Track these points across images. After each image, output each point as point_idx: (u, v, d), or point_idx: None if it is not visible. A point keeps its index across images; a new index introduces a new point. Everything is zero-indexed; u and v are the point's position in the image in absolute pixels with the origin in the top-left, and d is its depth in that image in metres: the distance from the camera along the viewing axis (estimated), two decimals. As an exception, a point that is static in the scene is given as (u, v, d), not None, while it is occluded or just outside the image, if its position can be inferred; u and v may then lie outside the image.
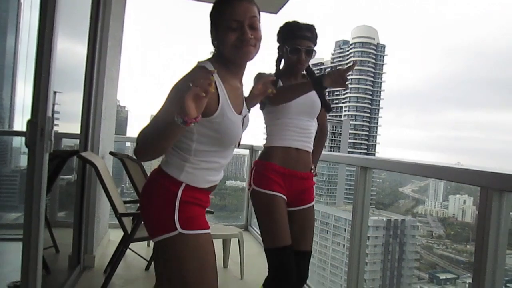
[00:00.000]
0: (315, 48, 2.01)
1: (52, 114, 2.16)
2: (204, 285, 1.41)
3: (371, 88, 36.46)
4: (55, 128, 3.52)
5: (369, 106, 36.16)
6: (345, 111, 36.14)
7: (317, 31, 2.03)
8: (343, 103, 36.56)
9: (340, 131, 32.65)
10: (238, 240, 3.40)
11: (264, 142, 2.07)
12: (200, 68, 1.38)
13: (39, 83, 2.06)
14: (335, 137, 32.29)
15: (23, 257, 2.10)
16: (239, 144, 1.52)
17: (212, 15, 1.43)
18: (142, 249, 3.69)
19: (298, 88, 1.90)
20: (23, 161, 2.29)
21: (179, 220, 1.37)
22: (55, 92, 3.24)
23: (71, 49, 3.22)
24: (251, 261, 3.60)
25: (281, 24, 2.04)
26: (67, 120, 3.44)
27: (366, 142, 35.18)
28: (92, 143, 3.35)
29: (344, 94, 37.05)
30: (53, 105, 2.39)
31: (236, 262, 3.46)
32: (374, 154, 34.99)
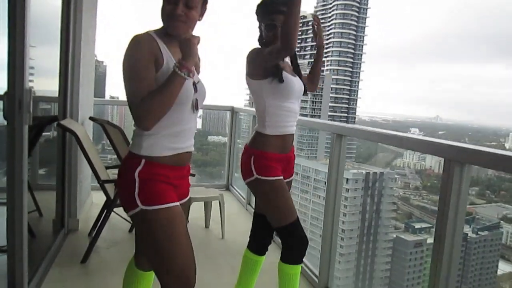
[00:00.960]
0: None
1: (30, 88, 2.15)
2: (175, 254, 1.48)
3: (353, 42, 36.19)
4: (31, 84, 3.50)
5: (351, 60, 36.01)
6: (327, 65, 35.93)
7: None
8: (325, 57, 36.31)
9: (322, 85, 32.59)
10: (219, 202, 3.54)
11: (259, 126, 2.06)
12: (144, 34, 1.45)
13: (14, 54, 2.04)
14: (317, 91, 32.29)
15: (8, 222, 2.16)
16: (196, 108, 1.57)
17: None
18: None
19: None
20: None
21: (139, 197, 1.45)
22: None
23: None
24: (232, 220, 3.74)
25: (259, 2, 2.02)
26: (43, 76, 3.40)
27: (347, 96, 35.30)
28: (71, 109, 3.34)
29: (326, 48, 36.74)
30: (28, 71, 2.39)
31: (217, 222, 3.60)
32: (355, 109, 35.30)
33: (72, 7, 3.24)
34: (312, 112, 31.27)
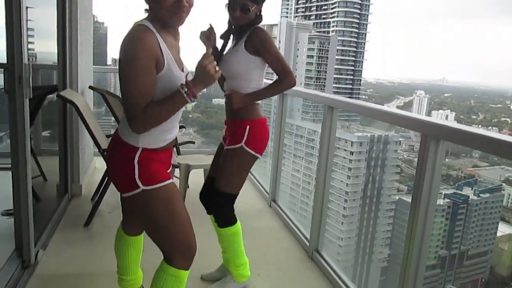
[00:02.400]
0: (259, 4, 2.06)
1: (28, 60, 2.23)
2: (178, 227, 1.60)
3: (359, 2, 35.35)
4: (30, 46, 3.56)
5: (357, 21, 35.31)
6: (333, 26, 35.28)
7: None
8: (331, 18, 35.61)
9: (328, 47, 32.15)
10: (218, 169, 3.63)
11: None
12: (145, 29, 1.42)
13: (12, 31, 2.10)
14: (322, 53, 31.90)
15: (14, 187, 2.29)
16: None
17: None
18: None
19: None
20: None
21: (139, 179, 1.53)
22: (27, 8, 3.23)
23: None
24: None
25: None
26: (44, 37, 3.44)
27: (353, 58, 34.87)
28: (70, 78, 3.41)
29: (332, 8, 35.97)
30: (27, 32, 2.45)
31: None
32: (361, 72, 34.89)
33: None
34: (317, 75, 31.01)
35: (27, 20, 2.29)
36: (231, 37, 2.19)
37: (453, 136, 1.66)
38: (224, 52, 2.17)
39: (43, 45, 3.46)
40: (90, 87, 3.77)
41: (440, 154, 1.70)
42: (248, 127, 2.12)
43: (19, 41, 2.12)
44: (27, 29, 2.68)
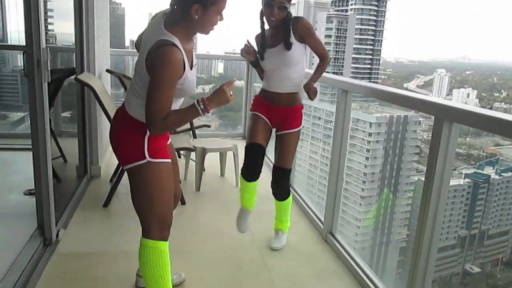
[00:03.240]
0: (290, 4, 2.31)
1: (47, 43, 2.26)
2: (162, 200, 1.79)
3: (379, -22, 34.48)
4: (50, 27, 3.61)
5: (376, -2, 34.51)
6: (351, 4, 34.55)
7: None
8: (349, -5, 34.87)
9: (346, 26, 31.58)
10: (233, 153, 3.69)
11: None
12: (174, 50, 1.56)
13: (30, 16, 2.14)
14: (340, 33, 31.38)
15: (34, 167, 2.37)
16: None
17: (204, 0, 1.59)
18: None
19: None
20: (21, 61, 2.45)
21: (148, 151, 1.71)
22: None
23: None
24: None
25: None
26: (63, 18, 3.49)
27: (372, 37, 34.18)
28: (88, 62, 3.46)
29: (351, -14, 35.19)
30: (46, 14, 2.49)
31: (233, 171, 3.76)
32: (380, 51, 34.25)
33: None
34: (335, 55, 30.56)
35: (45, 3, 2.33)
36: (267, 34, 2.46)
37: (466, 118, 1.65)
38: (269, 48, 2.42)
39: (63, 26, 3.50)
40: (107, 71, 3.82)
41: (453, 136, 1.69)
42: (301, 111, 2.53)
43: (37, 25, 2.15)
44: (45, 12, 2.72)
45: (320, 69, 2.43)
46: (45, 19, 3.45)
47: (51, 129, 3.43)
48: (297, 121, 2.50)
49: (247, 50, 2.42)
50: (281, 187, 2.59)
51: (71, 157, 3.66)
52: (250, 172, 2.55)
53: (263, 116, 2.51)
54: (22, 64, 2.35)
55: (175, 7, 1.62)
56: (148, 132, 1.69)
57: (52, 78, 2.34)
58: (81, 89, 3.42)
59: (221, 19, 1.66)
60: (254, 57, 2.46)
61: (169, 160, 1.80)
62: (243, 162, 2.55)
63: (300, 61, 2.42)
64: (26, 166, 2.45)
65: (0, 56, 5.65)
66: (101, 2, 3.65)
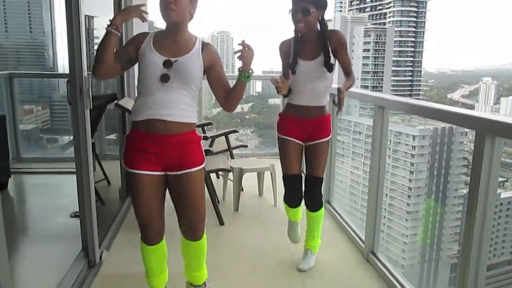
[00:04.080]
0: (320, 10, 2.27)
1: (88, 75, 2.37)
2: (138, 213, 1.93)
3: (417, -12, 33.95)
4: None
5: (415, 9, 33.92)
6: (389, 17, 34.15)
7: None
8: (386, 8, 34.48)
9: (385, 39, 31.16)
10: (271, 172, 3.69)
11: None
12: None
13: (73, 46, 2.26)
14: (379, 46, 30.99)
15: (78, 190, 2.47)
16: (165, 81, 1.79)
17: None
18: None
19: None
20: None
21: (123, 158, 1.88)
22: (92, 17, 3.43)
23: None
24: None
25: None
26: None
27: (412, 49, 33.53)
28: (128, 87, 3.58)
29: (388, -1, 34.86)
30: (91, 43, 2.63)
31: (270, 190, 3.75)
32: (421, 62, 33.51)
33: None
34: (374, 68, 30.16)
35: (91, 31, 2.47)
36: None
37: (509, 132, 1.57)
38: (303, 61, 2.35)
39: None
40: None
41: (497, 151, 1.61)
42: (330, 119, 2.52)
43: (80, 55, 2.27)
44: (92, 39, 2.86)
45: (349, 82, 2.34)
46: (92, 47, 3.62)
47: (95, 152, 3.57)
48: (327, 130, 2.48)
49: (282, 86, 2.30)
50: (314, 197, 2.53)
51: (115, 179, 3.76)
52: (293, 201, 2.57)
53: (293, 139, 2.47)
54: (66, 92, 2.48)
55: None
56: (125, 135, 1.87)
57: (94, 105, 2.45)
58: (122, 113, 3.54)
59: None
60: (287, 90, 2.36)
61: (139, 172, 1.83)
62: (284, 190, 2.56)
63: (330, 77, 2.39)
64: (73, 189, 2.54)
65: (51, 84, 5.99)
66: (140, 28, 3.78)
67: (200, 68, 1.85)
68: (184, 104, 1.82)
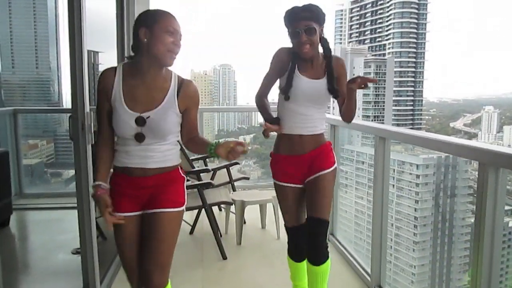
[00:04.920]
0: (321, 25, 1.99)
1: (90, 110, 2.39)
2: (121, 255, 1.78)
3: (415, 21, 34.65)
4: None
5: (415, 40, 34.49)
6: (388, 48, 34.69)
7: (319, 9, 1.98)
8: (386, 40, 35.08)
9: (385, 70, 31.55)
10: (273, 204, 3.64)
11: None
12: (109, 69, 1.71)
13: (75, 82, 2.29)
14: (379, 76, 31.34)
15: (79, 226, 2.44)
16: (140, 140, 1.65)
17: (146, 19, 1.63)
18: (185, 214, 4.01)
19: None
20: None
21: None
22: (97, 52, 3.48)
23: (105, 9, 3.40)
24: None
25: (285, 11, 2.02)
26: None
27: (413, 79, 33.91)
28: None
29: (387, 30, 35.50)
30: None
31: (273, 222, 3.71)
32: (422, 92, 33.79)
33: (125, 15, 3.46)
34: (375, 99, 30.43)
35: (94, 67, 2.49)
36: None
37: (512, 163, 1.55)
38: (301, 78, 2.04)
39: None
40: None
41: (502, 181, 1.59)
42: (331, 147, 2.17)
43: (82, 90, 2.30)
44: (94, 77, 2.90)
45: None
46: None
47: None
48: (329, 160, 2.10)
49: (270, 129, 2.03)
50: (318, 245, 2.07)
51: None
52: (297, 255, 2.26)
53: (290, 185, 2.14)
54: (68, 128, 2.49)
55: (131, 48, 1.68)
56: (112, 176, 1.75)
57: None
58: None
59: (174, 40, 1.60)
60: (278, 125, 2.08)
61: (121, 214, 1.68)
62: (287, 242, 2.29)
63: (328, 101, 2.12)
64: (75, 224, 2.51)
65: (56, 118, 6.06)
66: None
67: (177, 117, 1.71)
68: (164, 151, 1.71)
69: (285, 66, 2.05)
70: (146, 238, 1.72)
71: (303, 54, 1.98)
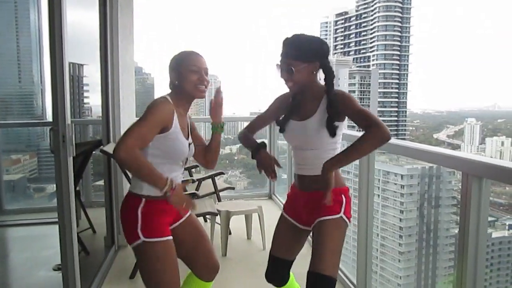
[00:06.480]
0: (312, 61, 1.81)
1: (72, 122, 2.35)
2: (168, 283, 1.77)
3: (399, 34, 35.24)
4: (86, 101, 3.76)
5: (398, 53, 35.03)
6: (373, 60, 35.16)
7: (310, 43, 1.83)
8: (370, 52, 35.58)
9: (369, 81, 31.94)
10: (258, 215, 3.64)
11: None
12: (166, 101, 1.76)
13: (56, 94, 2.25)
14: (364, 87, 31.71)
15: (60, 241, 2.38)
16: (185, 162, 1.91)
17: (174, 63, 1.83)
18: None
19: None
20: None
21: (141, 230, 1.72)
22: (82, 65, 3.44)
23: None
24: (273, 231, 3.81)
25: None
26: (98, 91, 3.64)
27: (397, 90, 34.36)
28: (114, 133, 3.56)
29: (371, 43, 36.00)
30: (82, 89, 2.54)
31: (259, 232, 3.69)
32: (405, 103, 34.27)
33: (108, 27, 3.45)
34: (360, 109, 30.70)
35: (79, 79, 2.45)
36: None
37: (497, 173, 1.56)
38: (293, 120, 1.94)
39: (98, 99, 3.65)
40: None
41: (485, 192, 1.60)
42: (343, 195, 1.87)
43: (63, 102, 2.26)
44: (81, 87, 2.86)
45: (356, 144, 1.65)
46: (81, 93, 3.62)
47: (80, 200, 3.50)
48: (335, 204, 1.82)
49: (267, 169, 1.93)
50: None
51: (101, 227, 3.68)
52: (271, 281, 2.12)
53: (288, 218, 2.03)
54: (48, 141, 2.45)
55: (169, 85, 1.88)
56: (141, 205, 1.73)
57: (79, 151, 2.42)
58: (107, 159, 3.50)
59: (199, 76, 1.79)
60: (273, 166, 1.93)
61: (168, 238, 1.78)
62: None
63: (335, 141, 1.89)
64: (58, 240, 2.44)
65: (39, 132, 5.98)
66: (126, 74, 3.82)
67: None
68: None
69: (281, 112, 2.01)
70: (194, 240, 1.96)
71: (288, 89, 1.89)
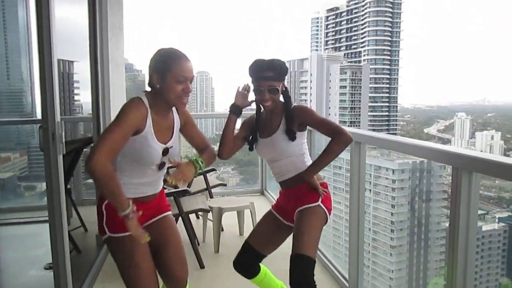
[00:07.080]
0: (283, 80, 2.09)
1: (61, 120, 2.33)
2: (137, 279, 1.74)
3: (389, 29, 35.37)
4: (76, 98, 3.72)
5: (389, 48, 35.16)
6: (364, 55, 35.25)
7: (282, 65, 2.06)
8: (361, 47, 35.67)
9: (361, 76, 32.03)
10: (250, 211, 3.65)
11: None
12: (139, 102, 1.66)
13: (45, 92, 2.22)
14: (355, 83, 31.80)
15: (51, 240, 2.36)
16: (161, 168, 1.79)
17: (159, 65, 1.69)
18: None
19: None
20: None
21: (106, 225, 1.73)
22: (72, 62, 3.39)
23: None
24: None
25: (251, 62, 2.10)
26: (88, 88, 3.62)
27: (387, 85, 34.51)
28: (104, 129, 3.53)
29: (362, 38, 36.09)
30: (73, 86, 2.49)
31: (251, 229, 3.67)
32: (396, 98, 34.43)
33: (98, 23, 3.41)
34: (351, 104, 30.87)
35: (71, 76, 2.41)
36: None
37: (487, 167, 1.57)
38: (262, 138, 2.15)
39: (88, 95, 3.63)
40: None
41: (475, 186, 1.61)
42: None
43: (52, 100, 2.23)
44: (72, 84, 2.82)
45: (328, 149, 1.98)
46: (72, 90, 3.58)
47: (71, 198, 3.47)
48: (314, 195, 2.05)
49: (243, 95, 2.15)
50: (301, 285, 1.89)
51: (92, 225, 3.64)
52: (237, 268, 2.24)
53: (274, 213, 2.22)
54: (38, 138, 2.42)
55: (148, 84, 1.75)
56: (105, 203, 1.72)
57: (69, 149, 2.40)
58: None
59: (184, 87, 1.68)
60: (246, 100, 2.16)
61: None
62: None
63: (297, 152, 2.10)
64: (49, 238, 2.43)
65: (29, 130, 5.92)
66: (117, 71, 3.79)
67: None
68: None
69: (249, 133, 2.20)
70: (156, 245, 1.82)
71: (265, 107, 2.11)
